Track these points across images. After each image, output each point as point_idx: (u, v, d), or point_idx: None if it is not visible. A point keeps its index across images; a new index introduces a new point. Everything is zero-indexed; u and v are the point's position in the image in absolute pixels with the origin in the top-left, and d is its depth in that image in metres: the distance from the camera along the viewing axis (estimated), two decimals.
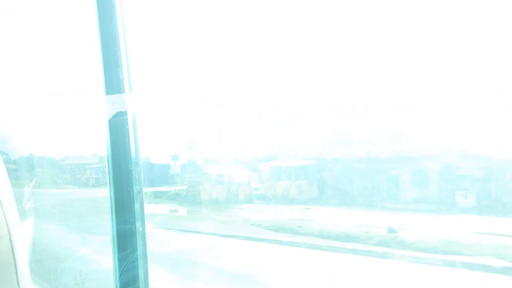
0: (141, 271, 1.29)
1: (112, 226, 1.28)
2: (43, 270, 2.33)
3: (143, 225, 1.29)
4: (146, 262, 1.31)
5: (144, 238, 1.31)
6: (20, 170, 2.53)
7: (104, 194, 1.32)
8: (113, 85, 1.31)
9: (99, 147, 1.37)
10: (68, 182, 2.22)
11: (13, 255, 0.43)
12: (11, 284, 0.43)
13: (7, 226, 0.43)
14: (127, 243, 1.28)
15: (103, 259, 1.56)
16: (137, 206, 1.27)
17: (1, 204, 0.43)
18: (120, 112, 1.28)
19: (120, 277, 1.29)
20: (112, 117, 1.29)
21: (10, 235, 0.43)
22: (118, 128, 1.29)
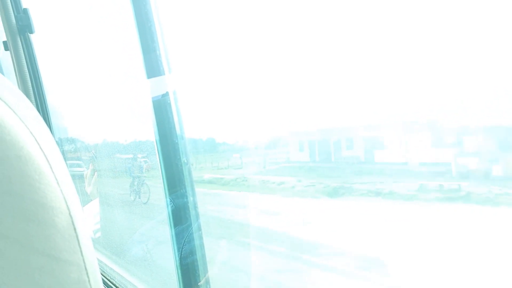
0: (196, 235, 1.31)
1: (166, 196, 1.30)
2: (112, 244, 2.40)
3: (193, 194, 1.31)
4: (200, 229, 1.33)
5: (196, 208, 1.32)
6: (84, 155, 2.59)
7: None
8: (153, 69, 1.32)
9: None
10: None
11: (74, 228, 0.43)
12: (76, 255, 0.43)
13: (66, 202, 0.42)
14: (180, 212, 1.30)
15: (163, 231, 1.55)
16: (186, 176, 1.29)
17: (58, 183, 0.42)
18: (162, 92, 1.29)
19: (177, 239, 1.32)
20: (156, 97, 1.30)
21: (69, 210, 0.43)
22: (161, 107, 1.30)
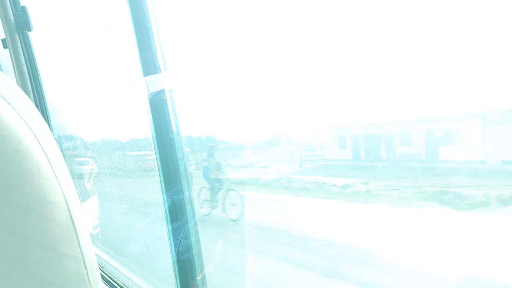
0: (192, 231, 1.32)
1: (162, 192, 1.31)
2: (111, 241, 2.41)
3: (189, 190, 1.32)
4: (196, 224, 1.34)
5: (192, 203, 1.33)
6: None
7: None
8: (149, 67, 1.33)
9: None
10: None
11: (73, 222, 0.44)
12: (74, 248, 0.44)
13: (64, 197, 0.43)
14: (176, 207, 1.31)
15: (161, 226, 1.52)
16: (182, 171, 1.30)
17: (56, 177, 0.43)
18: (158, 89, 1.30)
19: (173, 235, 1.32)
20: (152, 94, 1.31)
21: (67, 204, 0.44)
22: (157, 104, 1.31)
